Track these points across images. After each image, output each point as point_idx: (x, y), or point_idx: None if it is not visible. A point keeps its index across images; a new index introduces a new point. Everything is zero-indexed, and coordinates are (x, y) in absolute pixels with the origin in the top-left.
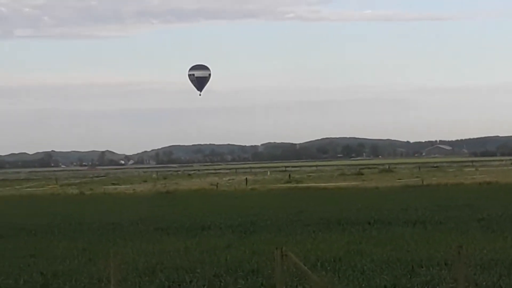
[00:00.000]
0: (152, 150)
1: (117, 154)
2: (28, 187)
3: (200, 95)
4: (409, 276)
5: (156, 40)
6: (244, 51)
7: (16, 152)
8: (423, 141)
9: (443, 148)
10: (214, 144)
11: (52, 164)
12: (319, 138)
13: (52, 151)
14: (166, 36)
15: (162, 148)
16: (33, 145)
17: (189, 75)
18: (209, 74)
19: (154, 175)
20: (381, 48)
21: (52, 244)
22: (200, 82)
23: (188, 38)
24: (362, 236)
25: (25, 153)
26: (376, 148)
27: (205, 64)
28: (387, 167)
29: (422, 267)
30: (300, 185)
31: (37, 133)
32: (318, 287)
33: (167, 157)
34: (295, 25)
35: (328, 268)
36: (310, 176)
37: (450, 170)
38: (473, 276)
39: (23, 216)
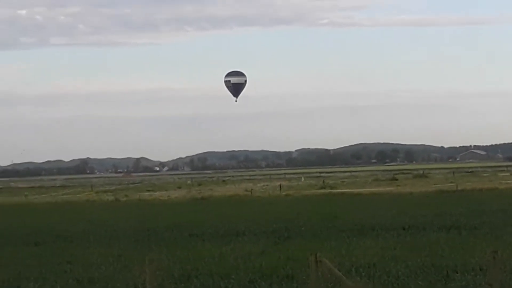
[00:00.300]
0: (187, 156)
1: (151, 160)
2: (64, 194)
3: (236, 101)
4: (444, 281)
5: (190, 47)
6: (278, 57)
7: (52, 160)
8: (458, 146)
9: (477, 153)
10: (248, 150)
11: (88, 171)
12: (353, 143)
13: (88, 158)
14: (200, 43)
15: (196, 154)
16: (68, 152)
17: (225, 81)
18: (245, 81)
19: (188, 182)
20: (415, 53)
21: (88, 250)
22: (236, 88)
23: (223, 44)
24: (397, 242)
25: (61, 160)
26: (410, 153)
27: (241, 71)
28: (422, 172)
29: (457, 273)
30: (334, 191)
31: (73, 140)
32: None
33: (201, 163)
34: (329, 31)
35: (363, 274)
36: (344, 182)
37: (485, 175)
38: (508, 281)
39: (59, 223)
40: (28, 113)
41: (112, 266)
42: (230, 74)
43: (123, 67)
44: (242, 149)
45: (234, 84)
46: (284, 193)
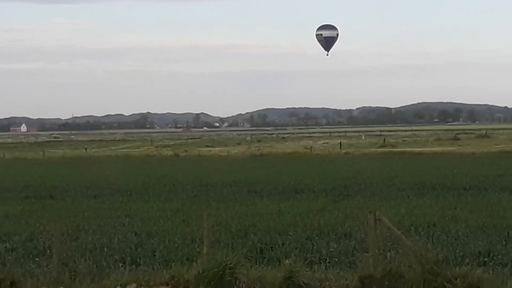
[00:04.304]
0: (247, 112)
1: (211, 116)
2: (124, 148)
3: (327, 55)
4: (504, 242)
5: (252, 3)
6: (341, 15)
7: (113, 113)
8: None
9: None
10: (308, 108)
11: (148, 126)
12: (415, 102)
13: (148, 112)
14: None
15: (256, 111)
16: (129, 107)
17: (317, 35)
18: (337, 34)
19: (248, 138)
20: (481, 12)
21: (146, 204)
22: (328, 42)
23: (286, 2)
24: (457, 202)
25: (121, 114)
26: (473, 113)
27: (333, 24)
28: (484, 132)
29: None
30: (395, 149)
31: (133, 95)
32: (412, 252)
33: (261, 120)
34: None
35: (422, 233)
36: (405, 140)
37: None
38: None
39: (119, 176)
40: (89, 67)
41: (170, 221)
42: (322, 27)
43: (188, 22)
44: (302, 106)
45: (326, 37)
46: (344, 151)
